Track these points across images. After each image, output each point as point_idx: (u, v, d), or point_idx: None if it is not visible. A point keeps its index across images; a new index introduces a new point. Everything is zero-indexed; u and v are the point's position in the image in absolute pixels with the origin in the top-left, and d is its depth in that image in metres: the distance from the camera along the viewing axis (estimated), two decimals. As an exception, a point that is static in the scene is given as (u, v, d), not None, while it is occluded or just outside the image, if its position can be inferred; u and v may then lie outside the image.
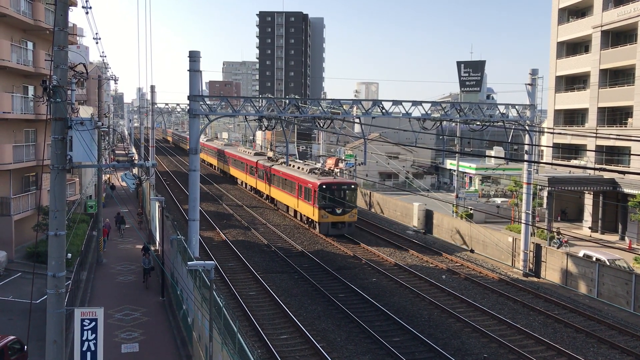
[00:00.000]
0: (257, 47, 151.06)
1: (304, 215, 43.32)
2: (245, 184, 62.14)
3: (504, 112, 33.88)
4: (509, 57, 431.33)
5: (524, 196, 35.00)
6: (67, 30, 12.58)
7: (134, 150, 79.79)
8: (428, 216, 44.32)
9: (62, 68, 12.47)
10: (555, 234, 38.65)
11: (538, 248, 32.97)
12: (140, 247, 34.67)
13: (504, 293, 28.33)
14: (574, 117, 51.95)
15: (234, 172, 67.47)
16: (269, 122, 32.24)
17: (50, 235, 12.76)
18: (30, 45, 33.95)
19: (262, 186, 54.37)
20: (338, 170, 62.36)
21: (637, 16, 42.38)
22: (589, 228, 44.71)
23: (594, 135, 43.35)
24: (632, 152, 41.20)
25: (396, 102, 31.12)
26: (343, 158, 70.34)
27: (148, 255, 29.23)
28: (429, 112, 32.01)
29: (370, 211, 53.57)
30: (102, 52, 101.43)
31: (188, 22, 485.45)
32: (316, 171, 44.05)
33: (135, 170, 39.76)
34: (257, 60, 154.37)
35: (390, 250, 36.79)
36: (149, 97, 59.83)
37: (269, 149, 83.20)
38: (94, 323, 14.72)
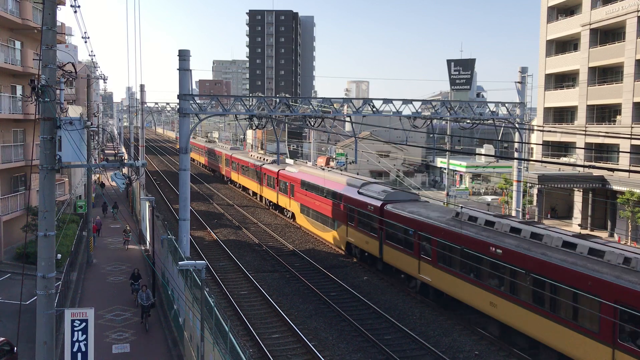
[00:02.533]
0: (247, 46, 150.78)
1: None
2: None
3: (494, 110, 34.04)
4: (499, 56, 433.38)
5: (514, 194, 35.18)
6: (55, 29, 12.49)
7: (123, 149, 79.40)
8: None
9: (51, 67, 12.38)
10: None
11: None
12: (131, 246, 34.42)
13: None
14: (563, 115, 52.23)
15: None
16: (260, 120, 32.20)
17: (40, 236, 12.67)
18: (18, 44, 33.68)
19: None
20: (329, 168, 62.19)
21: (625, 14, 42.66)
22: (579, 225, 44.98)
23: (583, 132, 43.62)
24: (620, 150, 41.50)
25: (387, 101, 31.16)
26: (334, 157, 70.35)
27: (146, 288, 23.47)
28: (420, 110, 32.10)
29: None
30: (91, 51, 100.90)
31: (177, 20, 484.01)
32: None
33: (125, 170, 39.41)
34: (247, 59, 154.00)
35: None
36: (138, 96, 59.55)
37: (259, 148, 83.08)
38: (84, 324, 14.64)
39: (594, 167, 11.61)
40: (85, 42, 30.88)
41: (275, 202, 47.70)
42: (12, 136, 33.14)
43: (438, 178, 74.62)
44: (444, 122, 61.95)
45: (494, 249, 21.10)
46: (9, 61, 31.67)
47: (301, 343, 21.26)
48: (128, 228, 36.39)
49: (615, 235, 41.87)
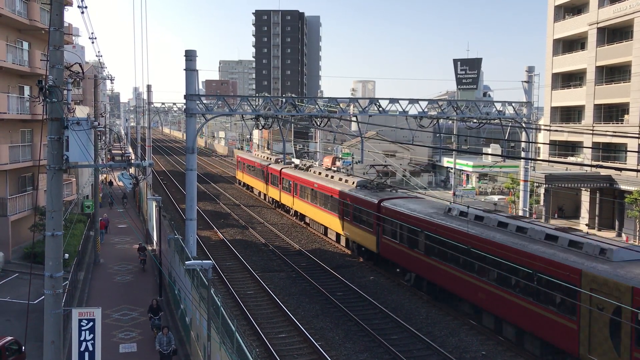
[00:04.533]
0: (253, 46, 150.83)
1: None
2: None
3: (501, 109, 33.94)
4: (506, 55, 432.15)
5: (521, 193, 35.06)
6: (62, 30, 12.54)
7: (130, 149, 79.65)
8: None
9: (58, 68, 12.43)
10: None
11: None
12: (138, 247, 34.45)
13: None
14: (570, 114, 51.98)
15: None
16: (266, 120, 32.26)
17: (47, 236, 12.73)
18: (25, 45, 33.83)
19: None
20: (335, 168, 62.14)
21: (633, 13, 42.42)
22: (586, 225, 44.77)
23: (591, 132, 43.39)
24: (628, 149, 41.28)
25: (393, 100, 31.11)
26: (340, 156, 70.29)
27: (167, 330, 19.23)
28: (426, 110, 32.05)
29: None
30: (98, 51, 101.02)
31: (184, 21, 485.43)
32: None
33: (132, 170, 39.35)
34: (254, 59, 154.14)
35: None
36: (145, 96, 59.74)
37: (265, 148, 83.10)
38: (91, 323, 14.70)
39: (601, 166, 11.57)
40: (93, 42, 31.07)
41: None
42: (20, 136, 33.30)
43: (444, 177, 74.45)
44: (450, 122, 61.84)
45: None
46: (16, 62, 31.82)
47: (307, 343, 21.27)
48: (143, 245, 31.49)
49: (623, 235, 41.66)
